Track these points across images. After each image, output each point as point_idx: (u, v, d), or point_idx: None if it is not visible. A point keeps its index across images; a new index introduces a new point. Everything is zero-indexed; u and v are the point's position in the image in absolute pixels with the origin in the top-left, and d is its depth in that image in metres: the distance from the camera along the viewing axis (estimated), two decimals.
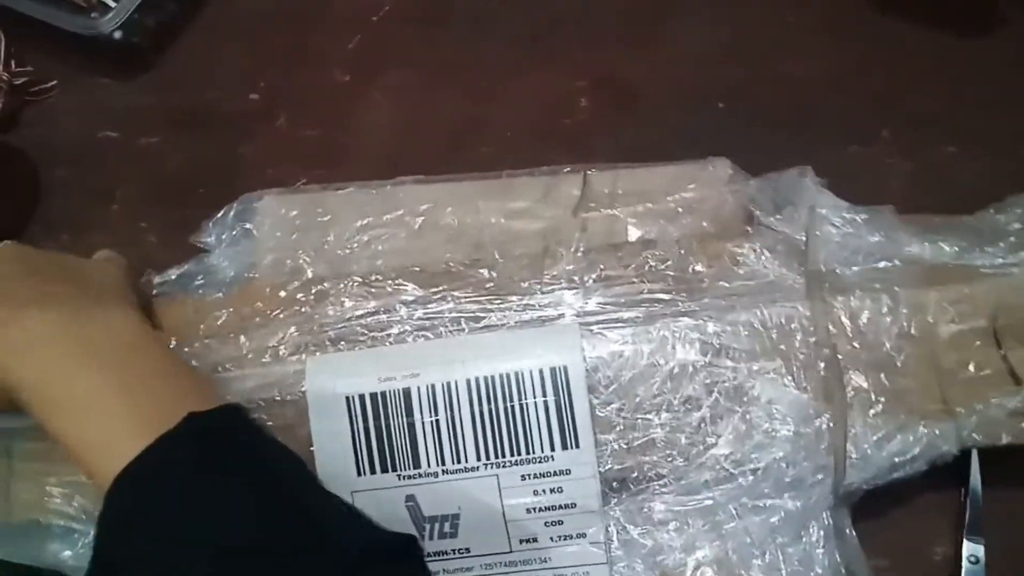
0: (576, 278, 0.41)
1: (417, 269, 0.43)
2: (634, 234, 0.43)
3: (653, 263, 0.41)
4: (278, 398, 0.40)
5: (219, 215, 0.49)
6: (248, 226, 0.48)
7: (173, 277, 0.48)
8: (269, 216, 0.48)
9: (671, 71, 0.54)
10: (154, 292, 0.48)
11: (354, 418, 0.39)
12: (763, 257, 0.41)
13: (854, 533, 0.38)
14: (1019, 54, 0.51)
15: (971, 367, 0.39)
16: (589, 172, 0.46)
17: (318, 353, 0.41)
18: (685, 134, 0.51)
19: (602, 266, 0.41)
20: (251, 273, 0.47)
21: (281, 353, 0.41)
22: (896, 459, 0.38)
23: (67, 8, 0.56)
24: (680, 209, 0.43)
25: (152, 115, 0.58)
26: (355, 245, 0.46)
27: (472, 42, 0.57)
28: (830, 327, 0.39)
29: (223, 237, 0.49)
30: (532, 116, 0.54)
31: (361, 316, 0.41)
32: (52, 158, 0.57)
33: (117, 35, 0.57)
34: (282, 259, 0.47)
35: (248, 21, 0.60)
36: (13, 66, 0.58)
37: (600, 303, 0.40)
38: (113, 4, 0.55)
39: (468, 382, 0.38)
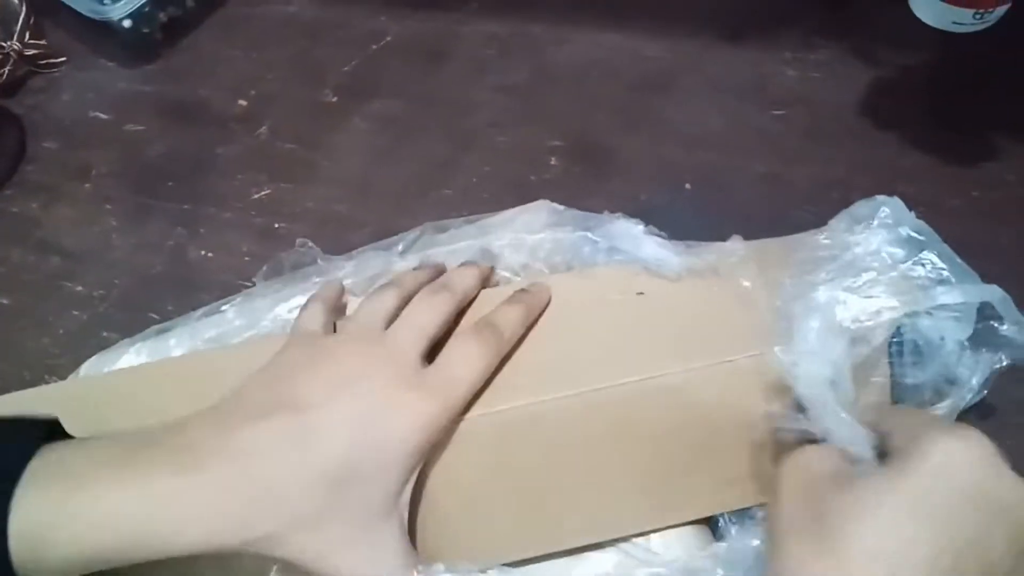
0: None
1: None
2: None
3: None
4: None
5: None
6: None
7: None
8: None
9: (649, 147, 0.53)
10: None
11: None
12: None
13: None
14: None
15: None
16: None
17: None
18: (645, 206, 0.50)
19: None
20: None
21: None
22: None
23: None
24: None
25: (144, 104, 0.59)
26: None
27: (463, 85, 0.57)
28: None
29: None
30: (501, 167, 0.53)
31: None
32: (43, 129, 0.59)
33: (127, 23, 0.59)
34: None
35: (256, 29, 0.62)
36: (27, 37, 0.60)
37: None
38: None
39: None
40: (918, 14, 0.55)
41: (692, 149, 0.52)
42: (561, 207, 0.44)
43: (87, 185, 0.56)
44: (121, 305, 0.51)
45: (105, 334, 0.49)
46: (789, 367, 0.31)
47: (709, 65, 0.56)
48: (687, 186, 0.51)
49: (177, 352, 0.42)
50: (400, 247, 0.44)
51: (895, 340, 0.35)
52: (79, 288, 0.52)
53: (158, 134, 0.58)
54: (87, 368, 0.44)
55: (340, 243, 0.51)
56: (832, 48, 0.55)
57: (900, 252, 0.36)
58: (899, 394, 0.36)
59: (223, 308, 0.43)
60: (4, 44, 0.59)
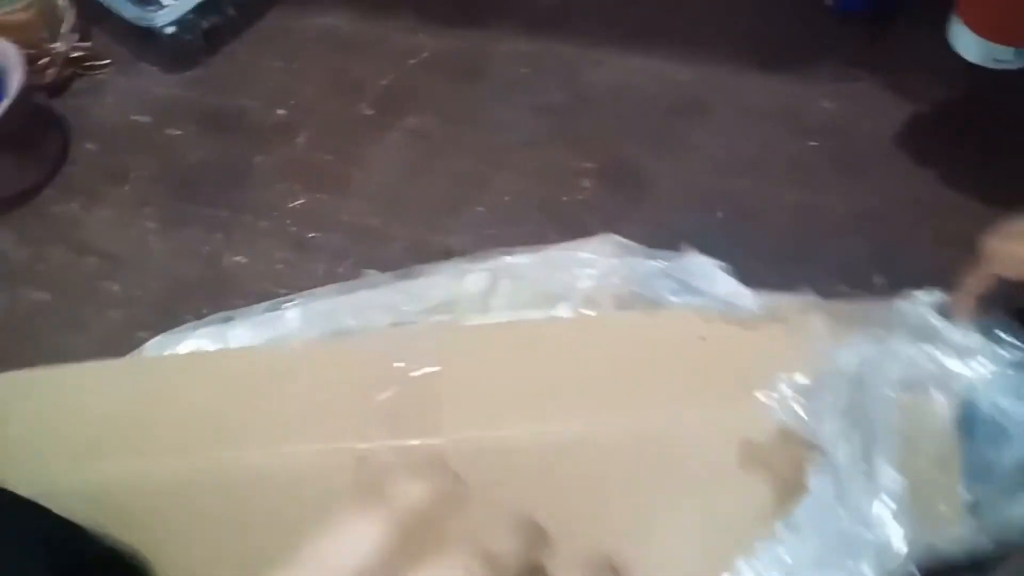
0: None
1: None
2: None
3: None
4: None
5: None
6: None
7: None
8: None
9: (682, 172, 0.53)
10: None
11: None
12: None
13: None
14: None
15: None
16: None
17: None
18: (677, 232, 0.50)
19: None
20: None
21: None
22: None
23: None
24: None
25: (184, 109, 0.60)
26: None
27: (497, 103, 0.58)
28: None
29: None
30: (534, 186, 0.54)
31: None
32: (85, 131, 0.61)
33: (170, 30, 0.60)
34: None
35: (296, 41, 0.63)
36: (75, 40, 0.62)
37: None
38: (169, 2, 0.58)
39: None
40: (958, 50, 0.55)
41: (724, 176, 0.53)
42: (626, 241, 0.44)
43: (126, 188, 0.58)
44: (157, 307, 0.52)
45: (140, 334, 0.50)
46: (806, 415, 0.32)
47: (744, 91, 0.56)
48: (719, 214, 0.51)
49: (235, 344, 0.43)
50: (467, 265, 0.44)
51: (968, 415, 0.34)
52: (116, 288, 0.53)
53: (197, 140, 0.59)
54: (152, 346, 0.46)
55: (373, 256, 0.52)
56: (870, 79, 0.55)
57: (976, 334, 0.35)
58: (973, 473, 0.34)
59: (285, 306, 0.44)
60: (51, 46, 0.61)
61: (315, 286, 0.49)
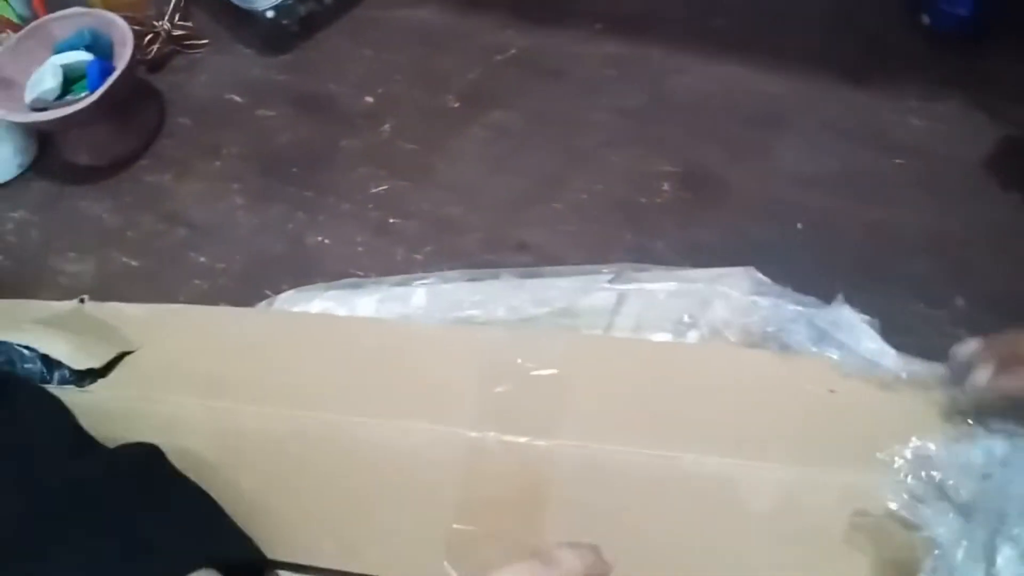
0: None
1: None
2: None
3: None
4: None
5: None
6: None
7: None
8: None
9: (762, 182, 0.53)
10: None
11: None
12: None
13: None
14: None
15: None
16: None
17: None
18: (753, 241, 0.50)
19: None
20: None
21: None
22: None
23: None
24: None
25: (277, 92, 0.63)
26: None
27: (581, 103, 0.59)
28: None
29: None
30: (611, 186, 0.54)
31: None
32: (181, 106, 0.63)
33: (270, 14, 0.62)
34: None
35: (387, 31, 0.65)
36: (177, 18, 0.64)
37: None
38: None
39: None
40: None
41: (805, 189, 0.53)
42: (765, 278, 0.44)
43: (217, 163, 0.60)
44: (239, 279, 0.54)
45: (223, 304, 0.52)
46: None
47: (830, 105, 0.56)
48: (799, 226, 0.51)
49: (362, 312, 0.46)
50: (606, 277, 0.45)
51: None
52: (202, 259, 0.55)
53: (287, 122, 0.61)
54: (282, 300, 0.49)
55: (450, 246, 0.53)
56: (960, 100, 0.54)
57: None
58: None
59: (415, 283, 0.46)
60: (156, 23, 0.63)
61: (393, 270, 0.51)
